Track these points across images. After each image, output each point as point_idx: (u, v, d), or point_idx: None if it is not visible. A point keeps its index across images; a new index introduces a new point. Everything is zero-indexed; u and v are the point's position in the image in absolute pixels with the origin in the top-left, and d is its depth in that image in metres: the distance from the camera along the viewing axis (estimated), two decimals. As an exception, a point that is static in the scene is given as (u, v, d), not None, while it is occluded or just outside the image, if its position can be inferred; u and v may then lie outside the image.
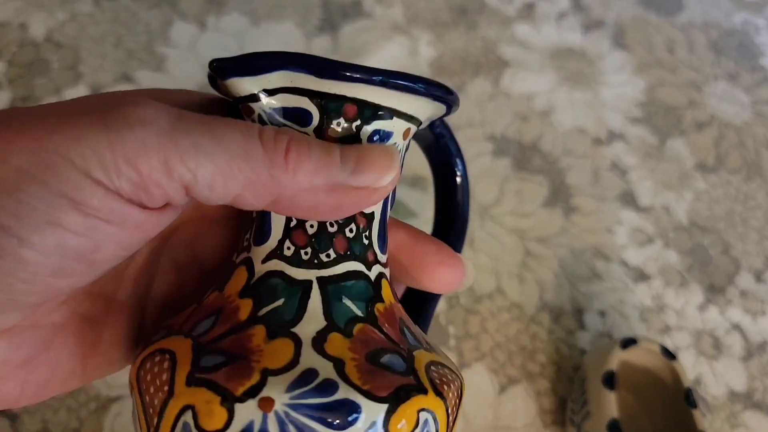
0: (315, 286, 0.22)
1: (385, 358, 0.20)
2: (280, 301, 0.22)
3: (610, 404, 0.43)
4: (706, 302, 0.56)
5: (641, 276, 0.56)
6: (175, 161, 0.15)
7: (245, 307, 0.21)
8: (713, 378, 0.52)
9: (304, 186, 0.17)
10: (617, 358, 0.45)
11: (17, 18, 0.63)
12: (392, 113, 0.19)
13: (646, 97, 0.68)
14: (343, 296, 0.24)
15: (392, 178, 0.18)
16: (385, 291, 0.23)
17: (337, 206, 0.18)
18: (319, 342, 0.20)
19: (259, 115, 0.19)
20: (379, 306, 0.22)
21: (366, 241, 0.21)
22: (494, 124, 0.63)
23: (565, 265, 0.56)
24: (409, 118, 0.20)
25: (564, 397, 0.49)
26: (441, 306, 0.52)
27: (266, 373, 0.19)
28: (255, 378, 0.18)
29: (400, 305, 0.24)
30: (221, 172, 0.16)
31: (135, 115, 0.15)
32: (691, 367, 0.52)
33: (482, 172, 0.60)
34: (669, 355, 0.46)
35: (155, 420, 0.19)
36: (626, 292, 0.55)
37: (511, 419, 0.48)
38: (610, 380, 0.44)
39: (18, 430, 0.43)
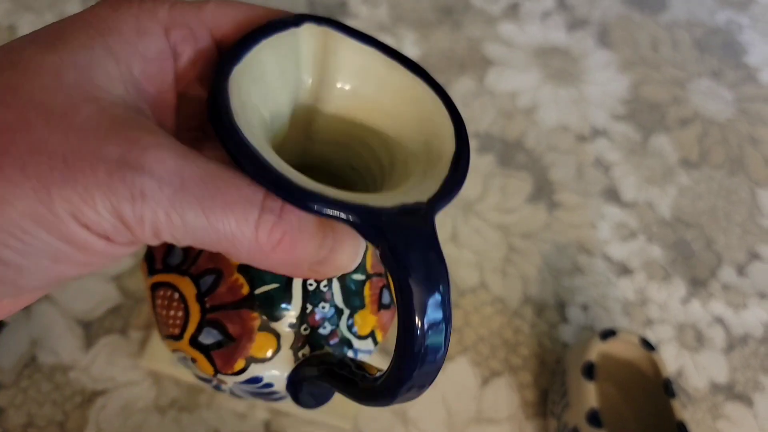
0: (296, 279, 0.27)
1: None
2: (273, 286, 0.28)
3: (589, 395, 0.43)
4: (688, 296, 0.56)
5: (624, 270, 0.57)
6: (164, 231, 0.16)
7: (244, 285, 0.28)
8: (695, 370, 0.53)
9: (274, 265, 0.18)
10: (597, 350, 0.46)
11: (6, 20, 0.63)
12: None
13: (630, 94, 0.69)
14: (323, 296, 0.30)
15: (356, 265, 0.20)
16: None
17: (295, 274, 0.19)
18: (294, 344, 0.29)
19: None
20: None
21: None
22: (479, 121, 0.64)
23: (548, 259, 0.56)
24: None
25: (546, 389, 0.50)
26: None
27: (250, 362, 0.28)
28: (240, 365, 0.28)
29: None
30: (203, 244, 0.17)
31: (141, 186, 0.15)
32: (673, 359, 0.53)
33: (466, 169, 0.60)
34: (648, 346, 0.46)
35: (165, 333, 0.30)
36: (609, 286, 0.56)
37: (494, 411, 0.49)
38: (589, 371, 0.44)
39: (3, 423, 0.44)
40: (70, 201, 0.15)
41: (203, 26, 0.20)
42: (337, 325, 0.30)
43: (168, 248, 0.30)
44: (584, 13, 0.75)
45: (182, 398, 0.46)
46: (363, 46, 0.21)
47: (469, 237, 0.56)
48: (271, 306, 0.28)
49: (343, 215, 0.17)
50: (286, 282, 0.28)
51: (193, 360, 0.29)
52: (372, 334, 0.31)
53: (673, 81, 0.71)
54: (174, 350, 0.30)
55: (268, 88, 0.20)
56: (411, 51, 0.68)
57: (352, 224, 0.17)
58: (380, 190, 0.22)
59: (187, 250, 0.29)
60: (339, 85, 0.22)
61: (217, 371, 0.28)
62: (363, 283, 0.31)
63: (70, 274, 0.17)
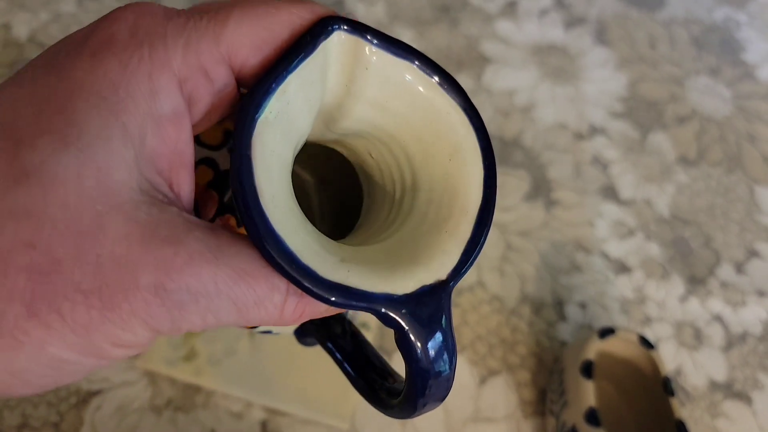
0: None
1: None
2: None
3: (587, 393, 0.43)
4: (687, 294, 0.56)
5: (622, 268, 0.56)
6: (198, 329, 0.17)
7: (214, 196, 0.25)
8: (694, 368, 0.52)
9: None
10: (595, 348, 0.45)
11: (0, 19, 0.63)
12: None
13: (627, 92, 0.69)
14: None
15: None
16: None
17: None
18: None
19: None
20: None
21: None
22: (476, 119, 0.63)
23: (546, 258, 0.56)
24: None
25: (544, 388, 0.50)
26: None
27: None
28: None
29: None
30: (230, 325, 0.18)
31: (179, 304, 0.16)
32: (671, 357, 0.53)
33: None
34: (647, 344, 0.46)
35: None
36: (607, 285, 0.55)
37: (492, 411, 0.48)
38: (587, 369, 0.44)
39: (-3, 424, 0.43)
40: (110, 334, 0.15)
41: (221, 63, 0.18)
42: None
43: None
44: (581, 11, 0.75)
45: (178, 398, 0.46)
46: (399, 60, 0.19)
47: (467, 235, 0.56)
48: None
49: (364, 305, 0.17)
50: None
51: None
52: None
53: (671, 78, 0.70)
54: None
55: (293, 123, 0.18)
56: (408, 49, 0.68)
57: (373, 312, 0.17)
58: (397, 214, 0.21)
59: (198, 215, 0.26)
60: (367, 96, 0.20)
61: None
62: None
63: (83, 376, 0.17)
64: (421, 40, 0.69)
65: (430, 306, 0.18)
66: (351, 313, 0.30)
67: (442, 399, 0.19)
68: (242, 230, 0.28)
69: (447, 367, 0.18)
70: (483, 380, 0.49)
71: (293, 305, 0.18)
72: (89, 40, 0.16)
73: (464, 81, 0.66)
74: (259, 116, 0.17)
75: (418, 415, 0.20)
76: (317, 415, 0.45)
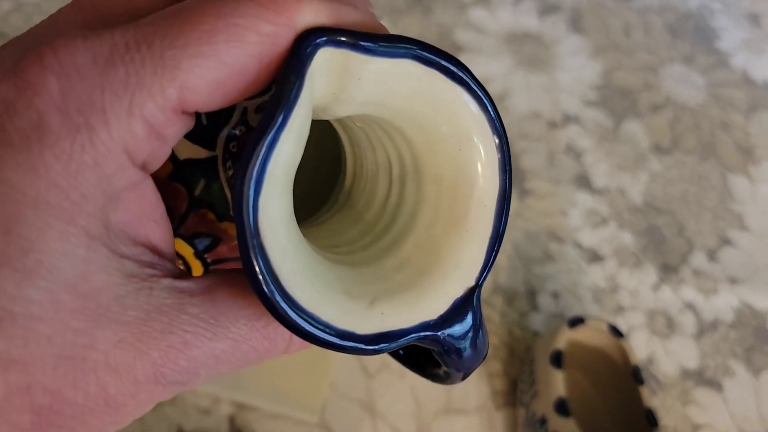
0: None
1: None
2: None
3: (557, 383, 0.43)
4: (659, 282, 0.56)
5: (595, 257, 0.56)
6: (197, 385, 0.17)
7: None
8: (665, 356, 0.53)
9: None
10: (565, 338, 0.45)
11: (-39, 8, 0.61)
12: None
13: (602, 80, 0.68)
14: None
15: None
16: None
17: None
18: None
19: None
20: None
21: None
22: (449, 109, 0.63)
23: (518, 247, 0.56)
24: None
25: (516, 378, 0.49)
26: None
27: None
28: None
29: None
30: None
31: (182, 385, 0.16)
32: (643, 346, 0.53)
33: (436, 157, 0.59)
34: (617, 333, 0.46)
35: None
36: (580, 274, 0.55)
37: (463, 402, 0.48)
38: (557, 359, 0.44)
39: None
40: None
41: (174, 119, 0.15)
42: None
43: None
44: (556, -1, 0.74)
45: (144, 394, 0.45)
46: (395, 60, 0.16)
47: (439, 226, 0.55)
48: None
49: (404, 342, 0.17)
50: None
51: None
52: None
53: (645, 67, 0.70)
54: None
55: (289, 169, 0.16)
56: (380, 38, 0.67)
57: (411, 343, 0.17)
58: (400, 197, 0.20)
59: (170, 210, 0.22)
60: (359, 101, 0.18)
61: None
62: None
63: None
64: (394, 28, 0.68)
65: (464, 312, 0.18)
66: None
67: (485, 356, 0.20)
68: (224, 226, 0.26)
69: (484, 346, 0.19)
70: (454, 371, 0.49)
71: (297, 346, 0.18)
72: (14, 122, 0.13)
73: (437, 70, 0.66)
74: (259, 203, 0.15)
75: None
76: (286, 408, 0.45)
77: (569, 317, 0.47)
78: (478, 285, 0.18)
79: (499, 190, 0.18)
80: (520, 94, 0.65)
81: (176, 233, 0.24)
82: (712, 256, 0.58)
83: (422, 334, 0.17)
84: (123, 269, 0.15)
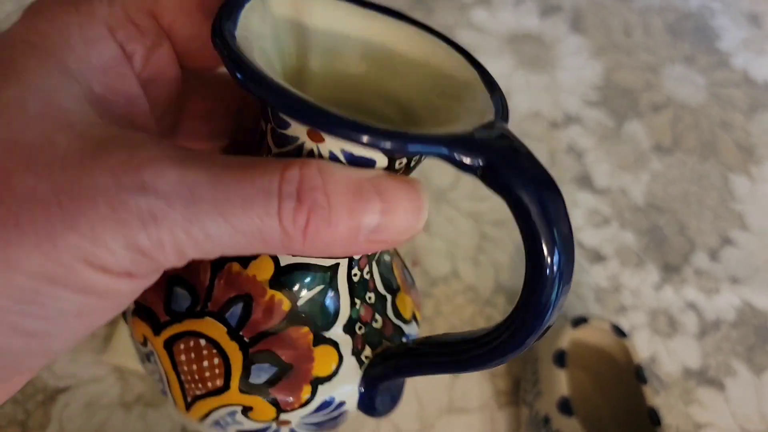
0: (341, 270, 0.23)
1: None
2: (317, 289, 0.23)
3: (560, 382, 0.43)
4: (661, 282, 0.56)
5: (597, 257, 0.56)
6: (188, 249, 0.14)
7: (283, 300, 0.22)
8: (668, 356, 0.53)
9: (319, 251, 0.16)
10: (568, 337, 0.45)
11: (-37, 9, 0.61)
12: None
13: (602, 80, 0.68)
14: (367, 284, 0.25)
15: (423, 221, 0.17)
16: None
17: (352, 252, 0.17)
18: (354, 348, 0.24)
19: (311, 150, 0.17)
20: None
21: None
22: (451, 109, 0.63)
23: (520, 247, 0.55)
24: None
25: (518, 377, 0.49)
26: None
27: (316, 385, 0.23)
28: (306, 392, 0.23)
29: None
30: (234, 251, 0.15)
31: (148, 208, 0.14)
32: (645, 345, 0.53)
33: (438, 157, 0.60)
34: (619, 332, 0.46)
35: (201, 392, 0.23)
36: (582, 273, 0.55)
37: (466, 401, 0.48)
38: (560, 358, 0.44)
39: (-40, 424, 0.42)
40: (79, 247, 0.13)
41: (148, 16, 0.18)
42: (385, 314, 0.26)
43: (166, 295, 0.24)
44: (557, -1, 0.75)
45: (148, 394, 0.45)
46: (337, 1, 0.19)
47: (441, 226, 0.56)
48: (319, 313, 0.23)
49: (435, 149, 0.15)
50: (330, 279, 0.23)
51: (248, 409, 0.24)
52: (414, 317, 0.27)
53: (646, 66, 0.70)
54: (217, 408, 0.24)
55: (265, 53, 0.18)
56: (382, 38, 0.67)
57: (446, 157, 0.15)
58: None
59: (193, 288, 0.23)
60: (322, 48, 0.20)
61: (280, 411, 0.24)
62: (391, 263, 0.27)
63: (101, 322, 0.16)
64: (395, 28, 0.68)
65: (507, 145, 0.16)
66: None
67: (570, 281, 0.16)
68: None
69: (567, 227, 0.15)
70: (457, 371, 0.49)
71: (291, 213, 0.15)
72: (120, 199, 0.14)
73: (439, 70, 0.66)
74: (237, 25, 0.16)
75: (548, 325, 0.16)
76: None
77: (572, 317, 0.48)
78: (498, 119, 0.17)
79: (478, 71, 0.19)
80: (521, 94, 0.65)
81: (205, 311, 0.23)
82: (713, 255, 0.58)
83: (453, 150, 0.16)
84: (95, 119, 0.16)
